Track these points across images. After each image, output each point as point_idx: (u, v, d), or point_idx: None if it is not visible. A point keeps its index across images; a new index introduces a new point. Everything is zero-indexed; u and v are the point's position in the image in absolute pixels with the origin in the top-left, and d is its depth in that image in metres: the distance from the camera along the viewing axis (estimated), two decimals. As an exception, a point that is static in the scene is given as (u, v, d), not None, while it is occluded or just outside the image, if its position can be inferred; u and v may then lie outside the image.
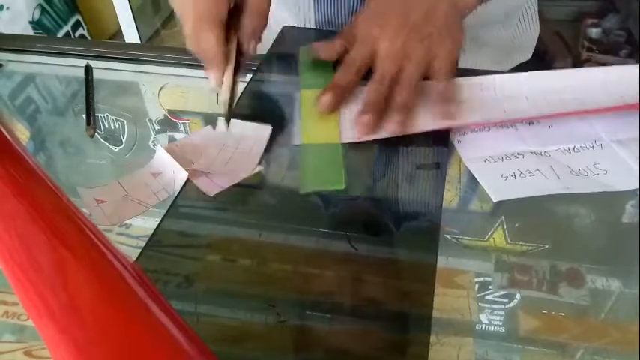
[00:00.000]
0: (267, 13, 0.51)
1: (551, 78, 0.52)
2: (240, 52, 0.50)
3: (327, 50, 0.55)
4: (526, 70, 0.53)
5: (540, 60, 1.61)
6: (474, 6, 0.54)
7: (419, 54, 0.50)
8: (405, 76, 0.49)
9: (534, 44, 0.76)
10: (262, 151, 0.48)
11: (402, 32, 0.50)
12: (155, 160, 0.48)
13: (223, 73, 0.49)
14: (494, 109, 0.50)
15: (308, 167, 0.47)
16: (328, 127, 0.50)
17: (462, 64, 0.54)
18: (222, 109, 0.49)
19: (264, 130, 0.50)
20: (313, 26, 0.66)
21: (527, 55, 0.76)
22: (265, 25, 0.51)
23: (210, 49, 0.48)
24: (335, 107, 0.50)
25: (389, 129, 0.48)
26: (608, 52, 1.64)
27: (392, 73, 0.49)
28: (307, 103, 0.52)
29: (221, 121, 0.50)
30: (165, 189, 0.46)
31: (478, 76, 0.53)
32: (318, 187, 0.45)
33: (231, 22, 0.49)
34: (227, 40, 0.49)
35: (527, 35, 0.74)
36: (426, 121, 0.49)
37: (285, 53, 0.57)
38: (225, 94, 0.49)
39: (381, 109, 0.49)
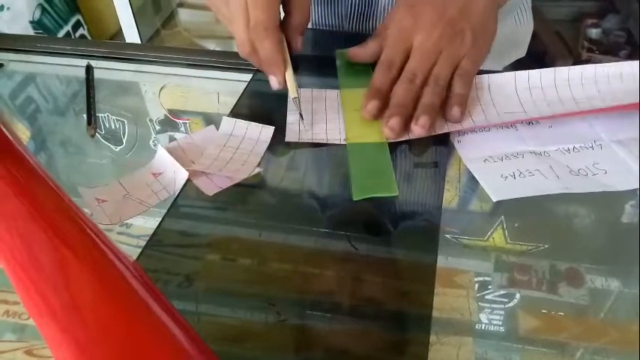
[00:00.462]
0: (309, 9, 0.51)
1: (545, 76, 0.52)
2: (289, 49, 0.51)
3: (362, 55, 0.55)
4: (522, 67, 0.53)
5: (540, 60, 1.62)
6: None
7: (451, 52, 0.49)
8: (435, 75, 0.49)
9: (529, 40, 0.76)
10: (263, 152, 0.49)
11: (438, 25, 0.49)
12: (156, 159, 0.48)
13: (284, 76, 0.50)
14: (497, 112, 0.50)
15: (357, 172, 0.46)
16: (372, 126, 0.49)
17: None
18: (295, 107, 0.51)
19: (267, 131, 0.50)
20: (310, 27, 0.67)
21: (523, 52, 0.76)
22: (308, 20, 0.52)
23: (270, 54, 0.49)
24: (381, 112, 0.49)
25: (416, 132, 0.47)
26: (608, 52, 1.64)
27: (424, 71, 0.49)
28: (349, 102, 0.52)
29: (294, 116, 0.51)
30: (166, 188, 0.46)
31: (483, 75, 0.53)
32: (370, 193, 0.44)
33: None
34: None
35: (524, 31, 0.74)
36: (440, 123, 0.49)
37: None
38: (293, 92, 0.50)
39: (409, 111, 0.48)
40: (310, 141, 0.49)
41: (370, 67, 0.54)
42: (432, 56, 0.49)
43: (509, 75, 0.52)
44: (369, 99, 0.49)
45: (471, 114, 0.50)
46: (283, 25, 0.51)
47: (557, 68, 0.51)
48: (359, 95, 0.51)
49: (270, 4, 0.47)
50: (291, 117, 0.51)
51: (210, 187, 0.45)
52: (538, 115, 0.49)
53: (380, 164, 0.47)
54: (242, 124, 0.50)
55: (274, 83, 0.50)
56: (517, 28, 0.72)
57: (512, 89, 0.52)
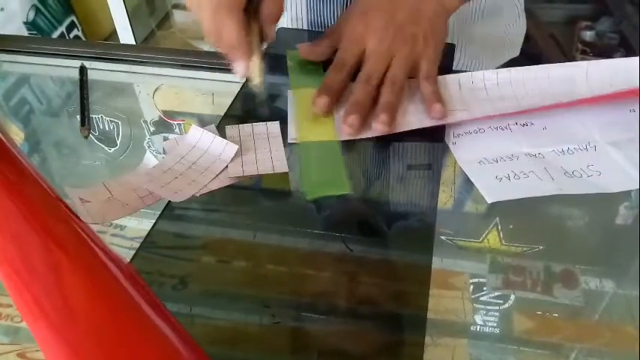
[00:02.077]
0: None
1: (537, 71, 0.52)
2: (261, 39, 0.50)
3: (313, 52, 0.56)
4: (514, 66, 0.53)
5: (535, 62, 1.62)
6: (459, 5, 0.55)
7: (404, 54, 0.50)
8: (391, 76, 0.50)
9: (522, 40, 0.77)
10: (217, 171, 0.46)
11: (388, 32, 0.51)
12: (143, 164, 0.48)
13: (249, 63, 0.48)
14: (483, 105, 0.51)
15: (310, 170, 0.47)
16: (323, 125, 0.50)
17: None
18: (259, 95, 0.50)
19: (229, 150, 0.48)
20: (306, 27, 0.67)
21: (516, 52, 0.77)
22: (282, 10, 0.51)
23: (233, 38, 0.47)
24: (330, 109, 0.51)
25: (375, 129, 0.48)
26: (602, 54, 1.65)
27: (379, 72, 0.50)
28: (299, 102, 0.52)
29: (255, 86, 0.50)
30: (152, 194, 0.45)
31: (467, 73, 0.53)
32: (323, 192, 0.45)
33: (249, 9, 0.49)
34: (248, 28, 0.49)
35: (516, 31, 0.75)
36: (415, 119, 0.49)
37: (278, 54, 0.57)
38: (256, 82, 0.49)
39: (366, 109, 0.49)
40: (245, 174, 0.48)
41: (321, 68, 0.54)
42: (385, 59, 0.50)
43: (498, 71, 0.53)
44: (319, 95, 0.50)
45: (460, 111, 0.50)
46: (257, 15, 0.51)
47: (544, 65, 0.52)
48: (309, 94, 0.52)
49: None
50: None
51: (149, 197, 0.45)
52: (528, 106, 0.49)
53: (331, 162, 0.47)
54: (207, 137, 0.48)
55: (237, 69, 0.49)
56: (510, 29, 0.73)
57: (499, 84, 0.52)
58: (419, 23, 0.51)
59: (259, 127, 0.51)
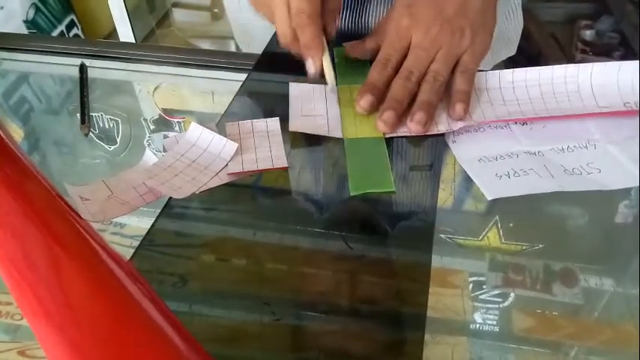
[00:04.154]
0: None
1: (542, 74, 0.52)
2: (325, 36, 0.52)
3: (359, 50, 0.56)
4: (513, 66, 0.53)
5: (534, 61, 1.62)
6: None
7: (450, 48, 0.49)
8: (433, 72, 0.49)
9: (519, 38, 0.77)
10: (217, 169, 0.46)
11: (435, 23, 0.50)
12: (143, 162, 0.48)
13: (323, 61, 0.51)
14: (491, 109, 0.51)
15: (355, 167, 0.46)
16: (369, 122, 0.50)
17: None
18: (332, 90, 0.52)
19: (229, 148, 0.47)
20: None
21: (513, 50, 0.77)
22: (341, 6, 0.54)
23: (312, 39, 0.49)
24: (375, 108, 0.50)
25: (412, 129, 0.48)
26: (602, 54, 1.64)
27: (420, 68, 0.49)
28: (346, 99, 0.52)
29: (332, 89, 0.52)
30: (153, 191, 0.45)
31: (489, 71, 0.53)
32: (367, 189, 0.45)
33: None
34: None
35: (514, 29, 0.74)
36: (443, 121, 0.49)
37: (281, 52, 0.57)
38: (331, 78, 0.51)
39: (403, 106, 0.49)
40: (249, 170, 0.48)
41: (368, 65, 0.54)
42: (429, 54, 0.49)
43: (508, 72, 0.53)
44: (362, 94, 0.50)
45: (470, 112, 0.50)
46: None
47: (554, 66, 0.52)
48: (355, 92, 0.51)
49: None
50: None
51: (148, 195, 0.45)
52: (534, 114, 0.49)
53: (377, 160, 0.47)
54: (207, 135, 0.48)
55: (311, 67, 0.51)
56: (507, 26, 0.73)
57: (509, 86, 0.52)
58: (467, 15, 0.50)
59: (259, 123, 0.51)
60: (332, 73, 0.51)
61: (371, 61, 0.53)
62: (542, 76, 0.52)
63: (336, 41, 0.57)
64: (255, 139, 0.49)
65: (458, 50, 0.50)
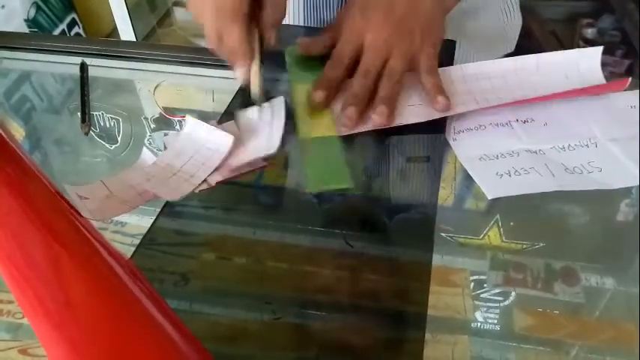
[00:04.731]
0: (286, 3, 0.51)
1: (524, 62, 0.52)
2: (261, 44, 0.51)
3: (312, 47, 0.56)
4: None
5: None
6: (457, 3, 0.56)
7: (402, 48, 0.50)
8: (389, 70, 0.50)
9: (517, 35, 0.77)
10: (215, 165, 0.46)
11: (387, 26, 0.51)
12: (141, 160, 0.48)
13: (249, 68, 0.49)
14: (481, 96, 0.51)
15: (311, 164, 0.47)
16: (323, 120, 0.50)
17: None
18: (258, 102, 0.50)
19: (226, 141, 0.47)
20: (303, 24, 0.67)
21: (512, 47, 0.77)
22: (284, 15, 0.52)
23: (236, 44, 0.48)
24: (328, 102, 0.51)
25: (372, 119, 0.48)
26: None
27: (377, 67, 0.50)
28: (299, 96, 0.53)
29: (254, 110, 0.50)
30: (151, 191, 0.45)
31: (463, 65, 0.53)
32: (324, 186, 0.45)
33: (250, 14, 0.49)
34: (249, 33, 0.49)
35: (511, 26, 0.75)
36: (420, 112, 0.49)
37: (276, 51, 0.57)
38: (256, 88, 0.50)
39: (364, 102, 0.49)
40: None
41: (320, 64, 0.54)
42: (383, 53, 0.50)
43: (479, 64, 0.53)
44: (317, 89, 0.50)
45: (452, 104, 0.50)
46: (257, 20, 0.51)
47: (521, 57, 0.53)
48: (308, 90, 0.51)
49: None
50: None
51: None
52: (512, 99, 0.49)
53: (332, 157, 0.47)
54: (204, 129, 0.48)
55: (237, 75, 0.49)
56: (505, 23, 0.73)
57: (485, 76, 0.52)
58: (417, 19, 0.51)
59: (214, 135, 0.49)
60: (258, 84, 0.50)
61: (322, 60, 0.53)
62: (503, 67, 0.53)
63: (291, 35, 0.57)
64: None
65: (411, 50, 0.51)
